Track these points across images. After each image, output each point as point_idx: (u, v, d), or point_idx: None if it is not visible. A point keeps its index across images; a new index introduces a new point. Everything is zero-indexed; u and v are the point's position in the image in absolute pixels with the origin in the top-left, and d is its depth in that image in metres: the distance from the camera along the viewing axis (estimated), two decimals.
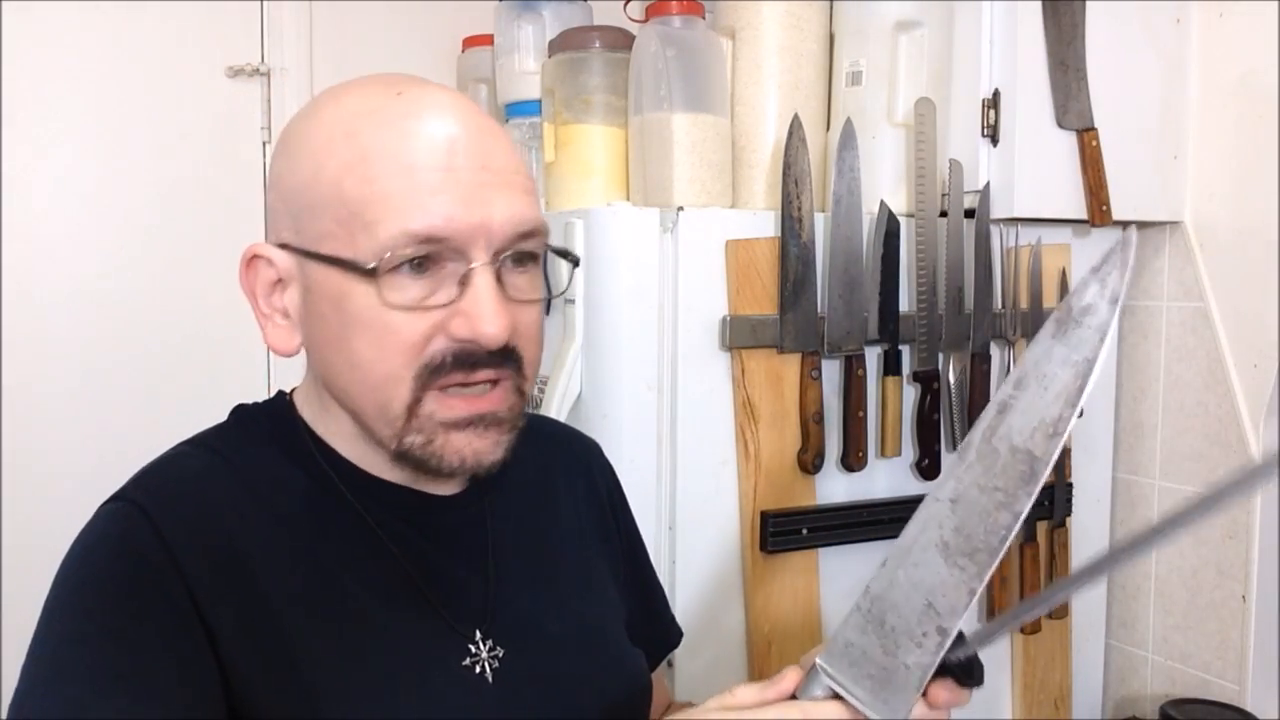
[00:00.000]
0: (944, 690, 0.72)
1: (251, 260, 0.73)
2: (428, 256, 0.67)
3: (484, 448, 0.70)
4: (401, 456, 0.71)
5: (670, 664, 1.32)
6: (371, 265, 0.66)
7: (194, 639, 0.65)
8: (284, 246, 0.72)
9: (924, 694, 0.70)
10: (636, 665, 0.87)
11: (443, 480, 0.76)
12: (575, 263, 0.80)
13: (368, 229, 0.67)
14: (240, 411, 0.79)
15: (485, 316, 0.67)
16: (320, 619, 0.69)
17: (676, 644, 1.01)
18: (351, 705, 0.68)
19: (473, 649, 0.74)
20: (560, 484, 0.89)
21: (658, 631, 0.98)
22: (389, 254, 0.66)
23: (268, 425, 0.77)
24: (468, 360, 0.69)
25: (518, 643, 0.76)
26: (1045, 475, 0.58)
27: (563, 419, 1.32)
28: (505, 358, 0.70)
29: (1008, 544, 0.59)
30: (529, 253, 0.72)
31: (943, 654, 0.65)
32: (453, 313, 0.68)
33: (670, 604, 1.30)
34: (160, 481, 0.72)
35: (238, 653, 0.66)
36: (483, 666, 0.74)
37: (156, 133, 1.84)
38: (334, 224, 0.68)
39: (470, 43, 1.93)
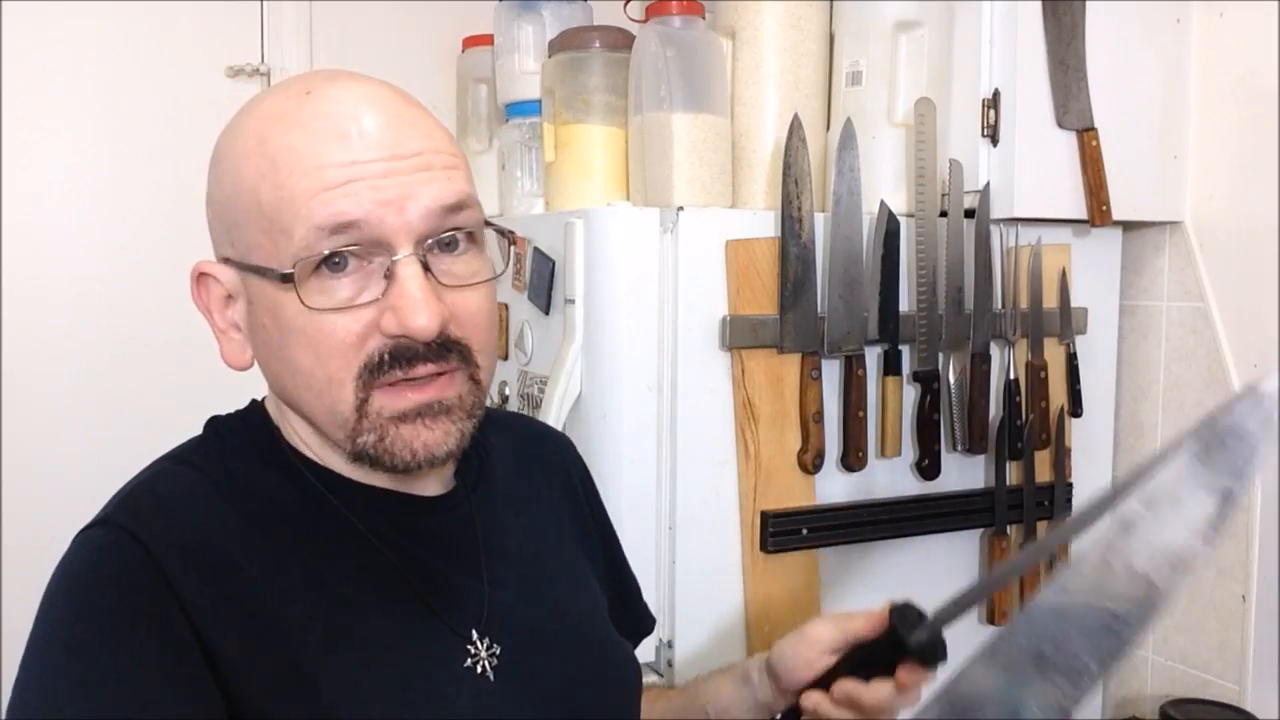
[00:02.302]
0: (907, 672, 0.76)
1: (200, 278, 0.73)
2: (348, 253, 0.66)
3: (434, 439, 0.68)
4: (358, 457, 0.70)
5: (670, 664, 1.32)
6: (290, 272, 0.66)
7: (194, 665, 0.63)
8: (226, 261, 0.72)
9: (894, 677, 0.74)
10: (627, 655, 0.88)
11: (407, 477, 0.75)
12: (512, 240, 0.77)
13: (285, 235, 0.66)
14: (216, 423, 0.78)
15: (414, 309, 0.65)
16: (323, 631, 0.69)
17: (650, 631, 1.01)
18: (362, 715, 0.68)
19: (471, 649, 0.74)
20: (539, 480, 0.89)
21: (633, 619, 0.99)
22: (302, 255, 0.65)
23: (245, 436, 0.76)
24: (405, 355, 0.67)
25: (514, 640, 0.76)
26: (1164, 608, 0.54)
27: (563, 419, 1.32)
28: (446, 349, 0.68)
29: (1109, 670, 0.55)
30: (460, 234, 0.70)
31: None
32: (383, 309, 0.66)
33: (671, 604, 1.32)
34: (146, 503, 0.69)
35: (243, 673, 0.65)
36: (483, 666, 0.74)
37: (156, 133, 1.84)
38: (259, 234, 0.68)
39: (470, 43, 1.93)
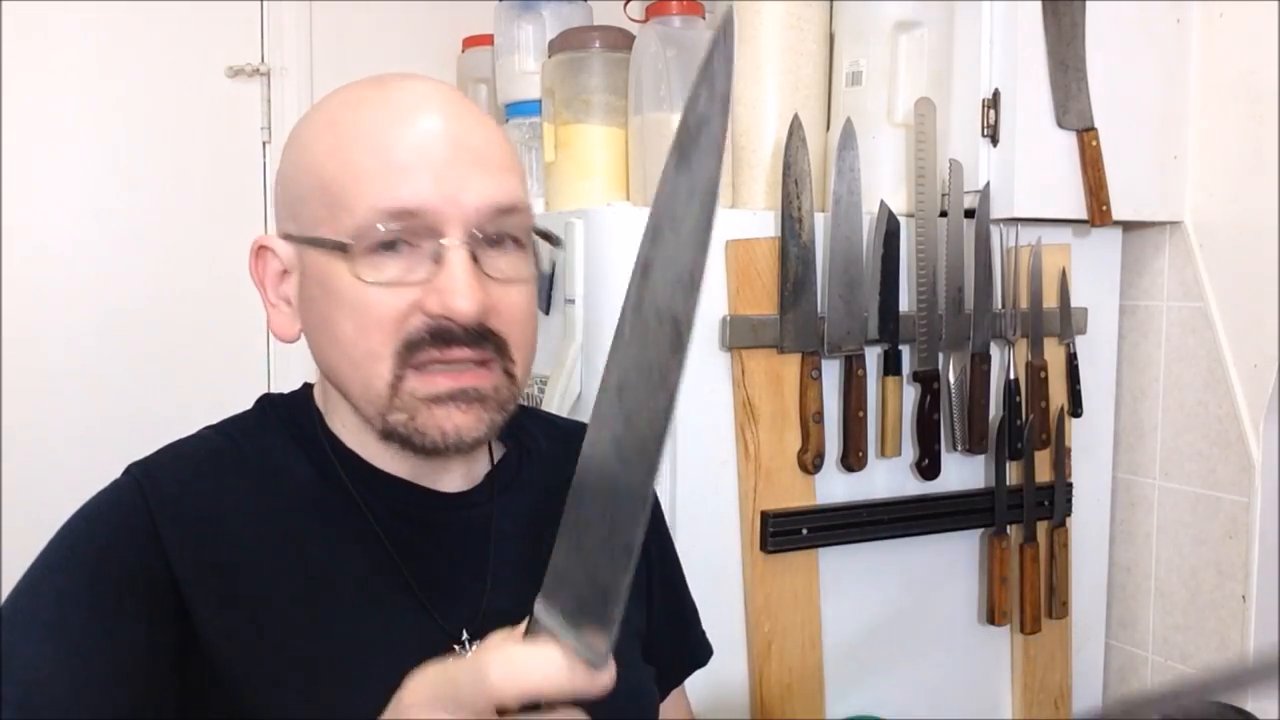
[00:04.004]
0: None
1: (259, 251, 0.76)
2: (402, 235, 0.69)
3: (465, 423, 0.70)
4: (388, 434, 0.71)
5: None
6: (347, 243, 0.68)
7: (151, 612, 0.66)
8: (286, 237, 0.75)
9: None
10: (637, 685, 0.85)
11: (431, 465, 0.76)
12: (555, 243, 0.79)
13: (347, 209, 0.69)
14: (263, 400, 0.81)
15: (458, 292, 0.67)
16: (300, 611, 0.70)
17: (705, 661, 0.98)
18: (318, 697, 0.68)
19: (458, 649, 0.73)
20: None
21: (684, 649, 0.96)
22: (363, 232, 0.68)
23: (285, 415, 0.79)
24: (443, 337, 0.69)
25: None
26: (690, 340, 0.50)
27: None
28: (483, 338, 0.70)
29: (669, 431, 0.51)
30: (509, 235, 0.72)
31: (630, 574, 0.52)
32: (429, 290, 0.69)
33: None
34: (164, 460, 0.74)
35: (213, 626, 0.67)
36: None
37: (157, 133, 1.84)
38: (321, 208, 0.71)
39: (470, 43, 1.93)
